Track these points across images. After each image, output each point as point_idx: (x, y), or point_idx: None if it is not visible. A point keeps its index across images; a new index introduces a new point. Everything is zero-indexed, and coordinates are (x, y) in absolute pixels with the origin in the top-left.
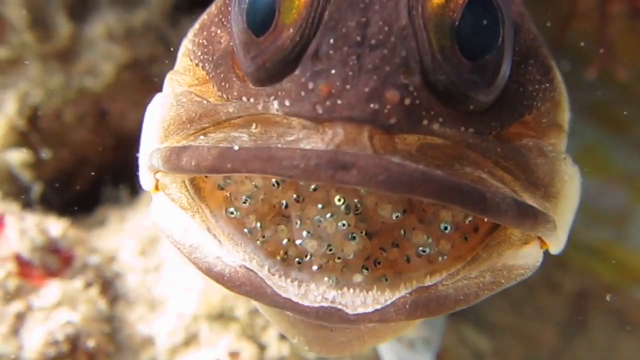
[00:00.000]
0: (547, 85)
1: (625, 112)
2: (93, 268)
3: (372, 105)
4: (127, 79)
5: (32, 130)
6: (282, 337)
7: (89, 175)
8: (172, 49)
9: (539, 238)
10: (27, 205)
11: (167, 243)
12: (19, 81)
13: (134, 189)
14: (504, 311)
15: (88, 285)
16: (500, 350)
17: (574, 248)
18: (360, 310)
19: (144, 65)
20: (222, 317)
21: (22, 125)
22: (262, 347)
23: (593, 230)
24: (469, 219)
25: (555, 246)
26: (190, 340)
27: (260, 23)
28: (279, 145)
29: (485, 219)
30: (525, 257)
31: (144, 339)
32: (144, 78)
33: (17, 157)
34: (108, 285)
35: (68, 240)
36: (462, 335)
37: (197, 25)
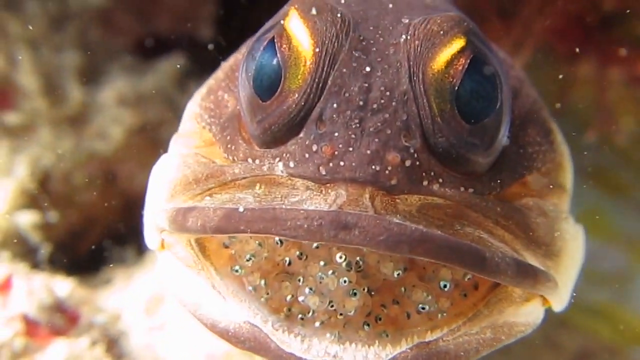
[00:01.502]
0: (547, 147)
1: (624, 176)
2: (99, 327)
3: (373, 167)
4: (136, 142)
5: (42, 192)
6: None
7: (96, 236)
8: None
9: (541, 296)
10: (35, 265)
11: (171, 302)
12: (31, 146)
13: (141, 249)
14: None
15: (94, 343)
16: None
17: (575, 308)
18: None
19: (153, 129)
20: None
21: (32, 189)
22: None
23: (594, 291)
24: (468, 276)
25: (558, 304)
26: None
27: (266, 88)
28: (283, 206)
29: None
30: (526, 314)
31: None
32: (152, 141)
33: (27, 219)
34: (113, 344)
35: (74, 299)
36: None
37: (204, 89)
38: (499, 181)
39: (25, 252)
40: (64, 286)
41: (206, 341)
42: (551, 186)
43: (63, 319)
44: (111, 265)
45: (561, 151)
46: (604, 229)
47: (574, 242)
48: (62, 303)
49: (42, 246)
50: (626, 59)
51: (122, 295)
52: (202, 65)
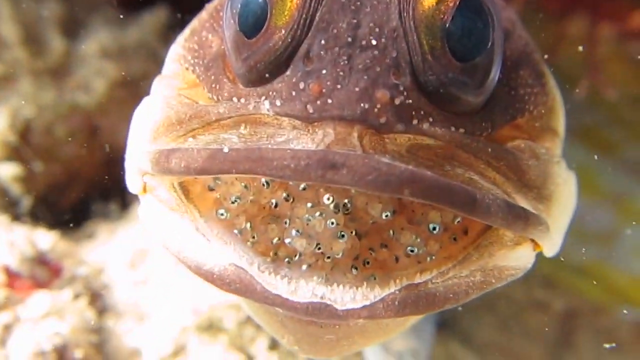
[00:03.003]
0: (540, 89)
1: (612, 134)
2: (82, 280)
3: (362, 105)
4: (119, 95)
5: (23, 144)
6: (271, 348)
7: (79, 190)
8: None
9: (532, 240)
10: (16, 218)
11: (156, 256)
12: (11, 96)
13: (124, 204)
14: (491, 330)
15: (77, 296)
16: None
17: (561, 268)
18: (350, 306)
19: (136, 82)
20: (210, 328)
21: (13, 140)
22: (250, 358)
23: (581, 250)
24: (458, 220)
25: (549, 249)
26: (179, 351)
27: (252, 25)
28: (269, 146)
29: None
30: (517, 258)
31: (131, 350)
32: (136, 95)
33: (8, 170)
34: (96, 297)
35: (57, 252)
36: (450, 352)
37: (187, 31)
38: (490, 122)
39: (5, 204)
40: (46, 238)
41: (192, 296)
42: (544, 130)
43: (45, 272)
44: (94, 220)
45: (553, 95)
46: (591, 187)
47: (566, 187)
48: (44, 255)
49: (23, 199)
50: (616, 14)
51: (105, 249)
52: (186, 18)
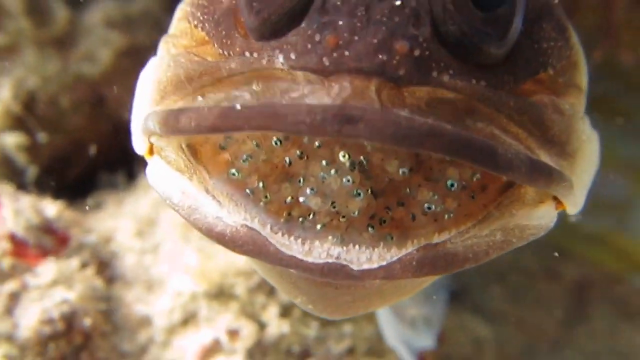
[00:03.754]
0: (563, 43)
1: (626, 102)
2: (89, 248)
3: (380, 57)
4: (125, 65)
5: (28, 115)
6: (282, 315)
7: (85, 161)
8: None
9: (555, 198)
10: (21, 188)
11: (164, 224)
12: (15, 67)
13: (131, 175)
14: (504, 300)
15: (84, 265)
16: (500, 338)
17: (575, 237)
18: (366, 266)
19: (142, 52)
20: (221, 295)
21: (17, 110)
22: (261, 325)
23: (594, 218)
24: (477, 176)
25: (572, 207)
26: (189, 319)
27: None
28: (283, 102)
29: (496, 177)
30: (539, 217)
31: (141, 318)
32: (141, 64)
33: (13, 140)
34: (104, 266)
35: (64, 221)
36: (462, 322)
37: None
38: (512, 76)
39: (10, 174)
40: (52, 207)
41: (201, 263)
42: (567, 85)
43: (52, 240)
44: (101, 191)
45: (577, 49)
46: (605, 155)
47: (590, 144)
48: (50, 224)
49: (28, 169)
50: None
51: (113, 218)
52: None
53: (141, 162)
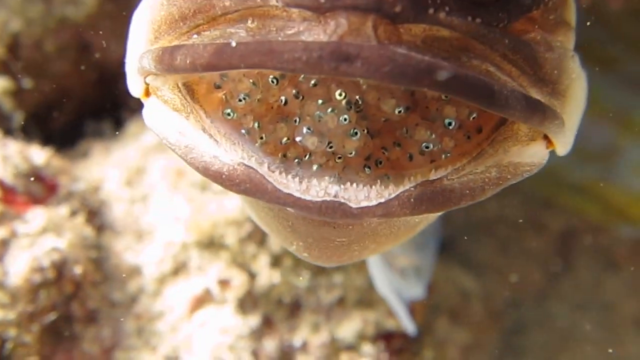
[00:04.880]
0: None
1: (612, 50)
2: (78, 196)
3: None
4: (110, 10)
5: (12, 59)
6: (273, 265)
7: (70, 108)
8: None
9: (546, 137)
10: (7, 133)
11: (154, 173)
12: None
13: (118, 123)
14: (490, 252)
15: (73, 213)
16: (486, 289)
17: (560, 187)
18: (364, 204)
19: None
20: (212, 245)
21: (1, 54)
22: (252, 275)
23: (580, 168)
24: (473, 116)
25: (562, 146)
26: (179, 268)
27: None
28: (279, 39)
29: (491, 117)
30: (531, 155)
31: (131, 268)
32: (127, 10)
33: None
34: (94, 215)
35: (52, 168)
36: (449, 273)
37: None
38: (506, 13)
39: None
40: (40, 154)
41: (192, 212)
42: (557, 22)
43: (41, 188)
44: (88, 139)
45: None
46: (592, 103)
47: (579, 82)
48: (39, 171)
49: (14, 114)
50: None
51: (101, 167)
52: None
53: (128, 111)
